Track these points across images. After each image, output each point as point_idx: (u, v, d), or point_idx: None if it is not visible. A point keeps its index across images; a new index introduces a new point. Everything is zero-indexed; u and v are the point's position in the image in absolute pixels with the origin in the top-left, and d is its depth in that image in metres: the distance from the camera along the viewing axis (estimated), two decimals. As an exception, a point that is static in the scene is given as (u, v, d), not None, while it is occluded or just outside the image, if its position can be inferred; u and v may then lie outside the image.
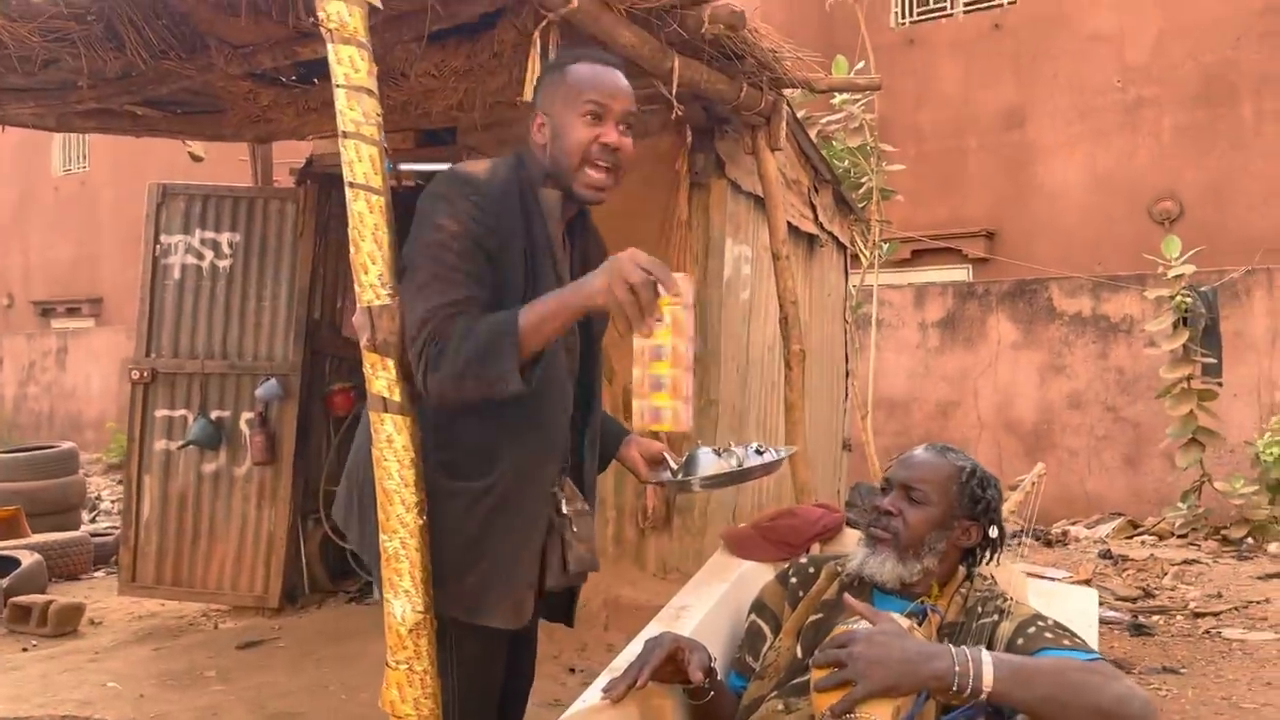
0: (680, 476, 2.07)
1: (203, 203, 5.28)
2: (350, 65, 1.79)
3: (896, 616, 1.58)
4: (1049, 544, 7.35)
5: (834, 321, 6.34)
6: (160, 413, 5.28)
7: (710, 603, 2.06)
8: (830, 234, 5.98)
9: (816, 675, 1.50)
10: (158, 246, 5.31)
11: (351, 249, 1.80)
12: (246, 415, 5.22)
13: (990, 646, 1.68)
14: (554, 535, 1.92)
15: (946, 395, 9.11)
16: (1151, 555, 6.51)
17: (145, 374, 5.26)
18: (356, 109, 1.79)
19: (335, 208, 5.33)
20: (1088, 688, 1.48)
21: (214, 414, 5.21)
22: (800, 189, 5.40)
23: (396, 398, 1.78)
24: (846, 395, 6.61)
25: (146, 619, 5.28)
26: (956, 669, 1.44)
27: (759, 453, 2.14)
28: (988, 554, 1.90)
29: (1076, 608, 2.05)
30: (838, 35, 9.43)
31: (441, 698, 1.78)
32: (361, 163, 1.79)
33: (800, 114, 6.60)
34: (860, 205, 6.68)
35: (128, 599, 5.45)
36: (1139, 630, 4.86)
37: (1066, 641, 1.66)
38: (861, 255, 6.72)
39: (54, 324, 17.79)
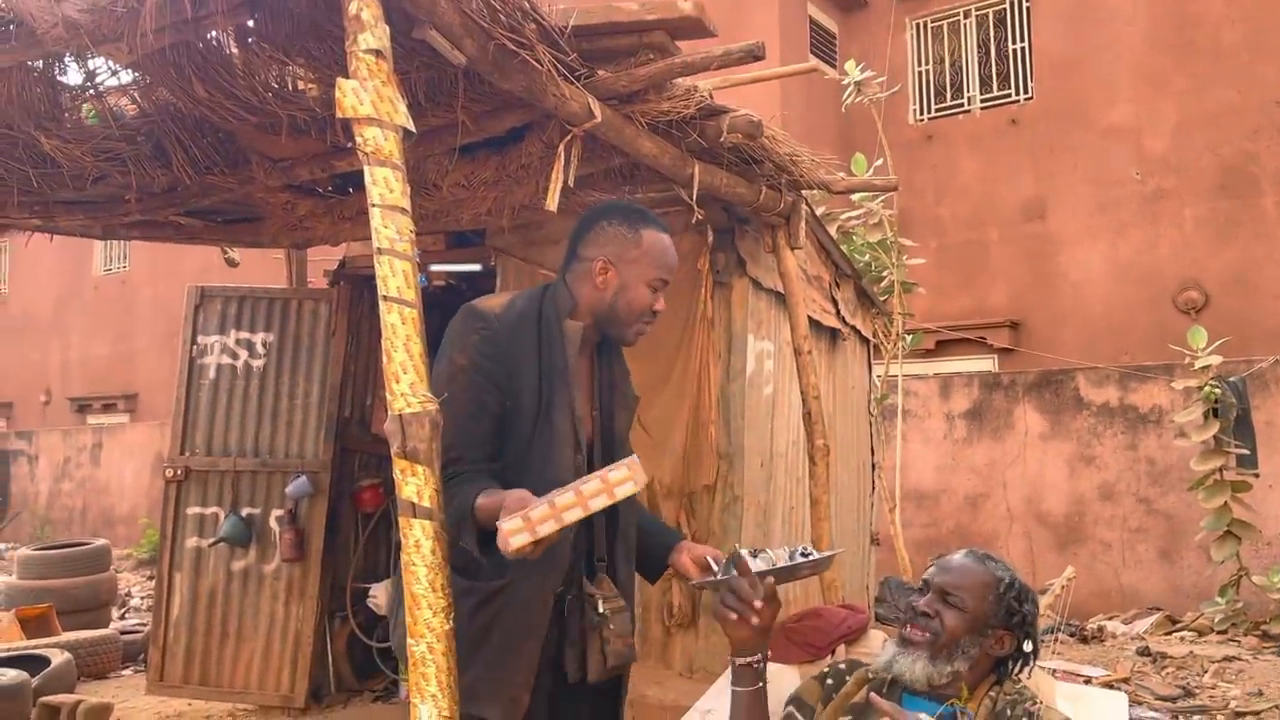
0: (721, 576, 2.12)
1: (238, 304, 5.43)
2: (385, 186, 1.89)
3: (922, 717, 1.60)
4: (1085, 640, 7.20)
5: (858, 414, 6.35)
6: (192, 510, 5.35)
7: (734, 705, 2.06)
8: (852, 327, 6.04)
9: None
10: (194, 347, 5.44)
11: (385, 359, 1.87)
12: (276, 512, 5.27)
13: None
14: (593, 633, 2.07)
15: (975, 487, 9.04)
16: (1191, 652, 6.36)
17: (179, 472, 5.35)
18: (391, 227, 1.88)
19: (367, 308, 5.47)
20: None
21: (245, 511, 5.27)
22: (821, 284, 5.48)
23: (425, 503, 1.83)
24: (873, 488, 6.59)
25: (173, 719, 5.26)
26: None
27: (804, 555, 2.20)
28: (1019, 665, 1.91)
29: (1105, 712, 2.04)
30: (857, 132, 9.66)
31: None
32: (395, 278, 1.87)
33: (820, 210, 6.73)
34: (882, 298, 6.76)
35: (155, 698, 5.45)
36: (1180, 731, 4.74)
37: None
38: (883, 348, 6.76)
39: (89, 419, 18.09)
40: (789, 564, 2.17)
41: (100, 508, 15.86)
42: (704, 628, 4.36)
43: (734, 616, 1.87)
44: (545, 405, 2.07)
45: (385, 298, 1.87)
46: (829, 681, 2.01)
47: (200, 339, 5.46)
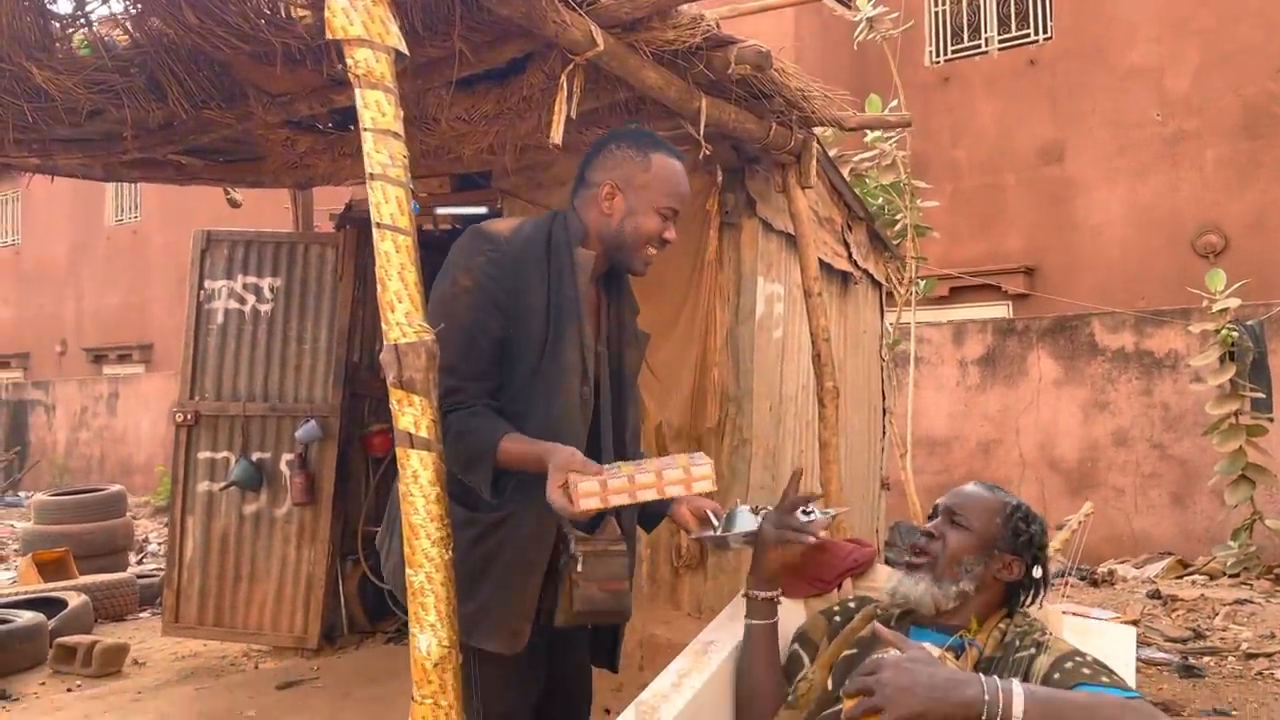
0: (721, 532, 2.12)
1: (245, 248, 5.39)
2: (377, 109, 1.83)
3: (928, 646, 1.57)
4: (1095, 584, 7.20)
5: (870, 359, 6.30)
6: (203, 454, 5.37)
7: (738, 637, 2.05)
8: (865, 271, 5.97)
9: (846, 705, 1.49)
10: (202, 292, 5.42)
11: (379, 288, 1.83)
12: (287, 457, 5.29)
13: (1025, 680, 1.66)
14: (561, 574, 2.00)
15: (988, 433, 9.00)
16: (1202, 595, 6.35)
17: (189, 417, 5.35)
18: (383, 152, 1.83)
19: (374, 252, 5.42)
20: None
21: (255, 456, 5.28)
22: (833, 226, 5.41)
23: (422, 433, 1.81)
24: (884, 433, 6.56)
25: (189, 659, 5.33)
26: (986, 698, 1.42)
27: (806, 514, 2.18)
28: (1031, 594, 1.88)
29: (1114, 646, 2.01)
30: (871, 75, 9.49)
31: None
32: (388, 204, 1.83)
33: (833, 152, 6.63)
34: (895, 242, 6.67)
35: (171, 639, 5.51)
36: (1189, 672, 4.74)
37: (1105, 679, 1.63)
38: (896, 292, 6.69)
39: (105, 370, 18.20)
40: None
41: (118, 457, 16.01)
42: (712, 569, 4.37)
43: (785, 540, 1.99)
44: (553, 335, 2.00)
45: (379, 225, 1.83)
46: (836, 618, 2.00)
47: (207, 284, 5.43)
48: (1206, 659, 5.01)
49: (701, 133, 3.32)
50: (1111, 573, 7.42)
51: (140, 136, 3.25)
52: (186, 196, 5.83)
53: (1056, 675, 1.65)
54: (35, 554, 6.81)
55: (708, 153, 3.33)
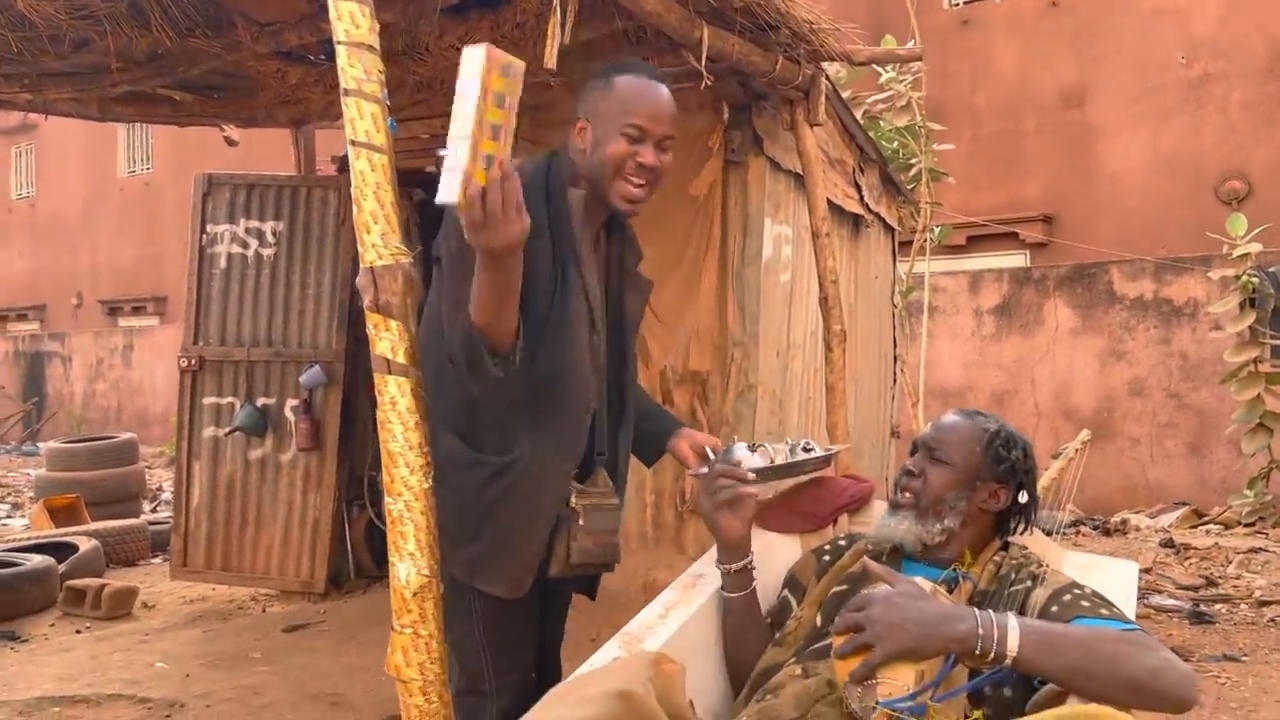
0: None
1: (247, 192, 5.33)
2: (350, 21, 1.75)
3: (920, 580, 1.52)
4: (1108, 533, 7.14)
5: (881, 305, 6.21)
6: (208, 400, 5.35)
7: (728, 572, 2.00)
8: (877, 215, 5.86)
9: (837, 642, 1.45)
10: (204, 236, 5.37)
11: (354, 208, 1.77)
12: (291, 402, 5.26)
13: (1022, 613, 1.61)
14: (561, 526, 1.98)
15: (1002, 383, 8.91)
16: (1216, 544, 6.28)
17: (193, 362, 5.33)
18: (358, 65, 1.75)
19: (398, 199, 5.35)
20: (1119, 658, 1.39)
21: (260, 401, 5.26)
22: (844, 168, 5.29)
23: (400, 359, 1.75)
24: (895, 381, 6.48)
25: (197, 602, 5.36)
26: (980, 632, 1.37)
27: (806, 450, 2.13)
28: (1021, 520, 1.82)
29: (1114, 579, 1.95)
30: (889, 18, 9.27)
31: (470, 650, 1.98)
32: (363, 120, 1.75)
33: (846, 94, 6.48)
34: (910, 187, 6.55)
35: (181, 583, 5.54)
36: (1199, 618, 4.69)
37: (1104, 611, 1.57)
38: (910, 237, 6.58)
39: (121, 322, 18.28)
40: (790, 460, 2.13)
41: (134, 408, 16.12)
42: (716, 513, 4.33)
43: (725, 500, 1.88)
44: (561, 281, 1.94)
45: (353, 142, 1.75)
46: (826, 557, 1.95)
47: (210, 228, 5.38)
48: (1218, 606, 4.95)
49: (704, 63, 3.22)
50: (1125, 522, 7.36)
51: (128, 69, 3.19)
52: (199, 147, 5.77)
53: (1054, 608, 1.59)
54: (47, 500, 6.85)
55: (709, 83, 3.22)
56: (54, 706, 3.75)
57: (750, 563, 1.91)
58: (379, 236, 1.75)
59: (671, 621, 1.80)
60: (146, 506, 8.57)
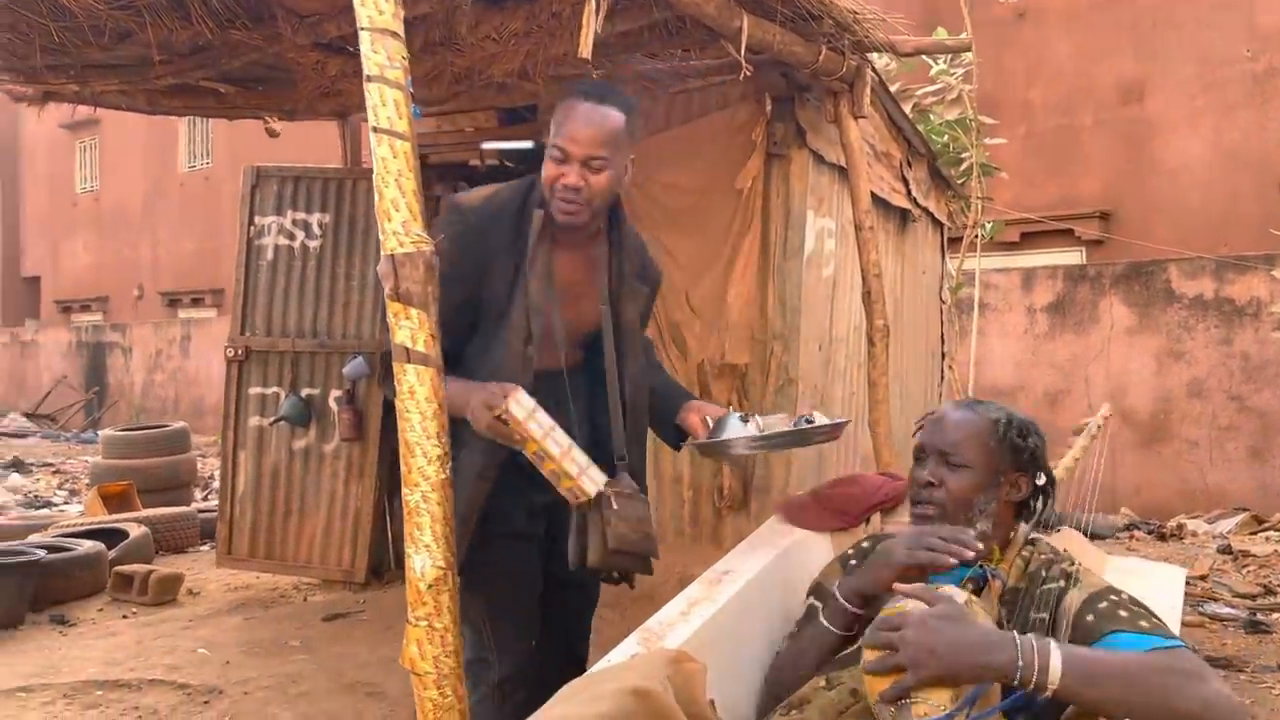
0: (709, 439, 2.07)
1: (294, 184, 5.38)
2: (374, 7, 1.74)
3: (954, 591, 1.45)
4: (1163, 538, 6.96)
5: (929, 301, 6.10)
6: (254, 390, 5.41)
7: (755, 569, 1.97)
8: (925, 210, 5.76)
9: (868, 656, 1.39)
10: (252, 228, 5.43)
11: (376, 196, 1.75)
12: (335, 393, 5.30)
13: (1055, 616, 1.54)
14: (595, 512, 2.01)
15: (1055, 383, 8.72)
16: (1276, 551, 6.09)
17: (240, 352, 5.40)
18: (381, 52, 1.74)
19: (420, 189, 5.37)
20: (1168, 690, 1.31)
21: (304, 391, 5.31)
22: (891, 161, 5.20)
23: (420, 348, 1.73)
24: (942, 378, 6.37)
25: (241, 590, 5.43)
26: (1021, 663, 1.30)
27: (807, 420, 2.09)
28: (1041, 503, 1.75)
29: (1158, 585, 1.88)
30: (943, 11, 9.11)
31: (473, 618, 2.09)
32: (386, 107, 1.74)
33: (895, 87, 6.39)
34: (960, 182, 6.42)
35: (226, 571, 5.62)
36: (1256, 627, 4.54)
37: (1144, 624, 1.49)
38: (960, 233, 6.45)
39: (180, 314, 18.64)
40: (781, 430, 2.11)
41: (191, 398, 16.43)
42: (755, 510, 4.28)
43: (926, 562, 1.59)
44: (517, 294, 2.08)
45: (376, 129, 1.74)
46: (852, 562, 1.87)
47: (257, 220, 5.44)
48: (1276, 615, 4.79)
49: (742, 53, 3.16)
50: (1181, 527, 7.16)
51: (171, 61, 3.21)
52: (255, 143, 5.87)
53: (1090, 617, 1.52)
54: (101, 487, 6.99)
55: (748, 74, 3.17)
56: (97, 690, 3.81)
57: (864, 615, 1.71)
58: (400, 224, 1.74)
59: (694, 619, 1.76)
60: (198, 494, 8.71)
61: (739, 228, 4.17)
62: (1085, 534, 2.43)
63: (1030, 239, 9.86)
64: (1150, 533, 7.05)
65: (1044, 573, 1.64)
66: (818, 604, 1.83)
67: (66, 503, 8.66)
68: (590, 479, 1.89)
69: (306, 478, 5.34)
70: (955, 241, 6.70)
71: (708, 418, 2.15)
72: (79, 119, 18.84)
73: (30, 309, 22.90)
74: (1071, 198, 9.86)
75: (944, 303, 6.25)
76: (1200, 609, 4.89)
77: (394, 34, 1.75)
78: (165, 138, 18.94)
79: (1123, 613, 1.51)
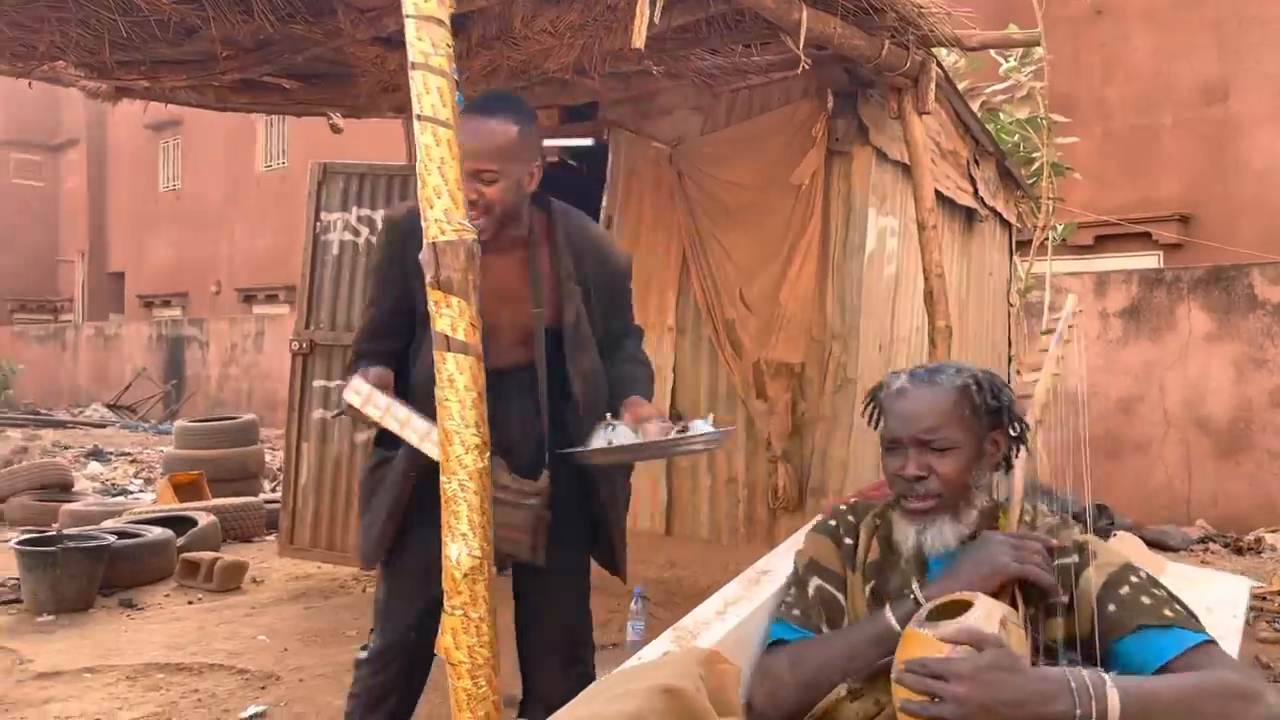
0: (592, 447, 2.09)
1: (359, 181, 5.44)
2: (420, -6, 1.74)
3: (990, 607, 1.35)
4: (1239, 551, 6.71)
5: (995, 302, 5.97)
6: (318, 383, 5.49)
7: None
8: (992, 210, 5.64)
9: (901, 694, 1.30)
10: (318, 224, 5.51)
11: (419, 183, 1.75)
12: (396, 387, 5.35)
13: (1073, 599, 1.44)
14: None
15: (1128, 389, 8.47)
16: (1361, 568, 5.83)
17: (304, 345, 5.48)
18: (425, 39, 1.74)
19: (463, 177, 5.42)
20: (1227, 717, 1.26)
21: (366, 385, 5.36)
22: (957, 160, 5.10)
23: (460, 336, 1.73)
24: (1008, 381, 6.22)
25: (302, 579, 5.51)
26: (1079, 712, 1.22)
27: (681, 430, 2.08)
28: (1016, 449, 1.65)
29: (1219, 596, 1.79)
30: (1017, 8, 8.91)
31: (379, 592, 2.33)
32: (430, 95, 1.74)
33: (963, 85, 6.26)
34: (1030, 182, 6.27)
35: (289, 560, 5.71)
36: (1336, 646, 4.34)
37: (1168, 613, 1.41)
38: (1029, 234, 6.29)
39: (255, 309, 19.08)
40: (642, 441, 2.06)
41: (264, 391, 16.80)
42: (810, 510, 4.22)
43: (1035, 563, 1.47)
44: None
45: (419, 117, 1.74)
46: (846, 541, 1.71)
47: (323, 216, 5.51)
48: (1359, 635, 4.58)
49: (801, 47, 3.12)
50: (1259, 540, 6.90)
51: (236, 56, 3.28)
52: (331, 143, 6.01)
53: (1112, 607, 1.43)
54: (173, 476, 7.17)
55: (806, 67, 3.12)
56: (159, 673, 3.90)
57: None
58: (441, 212, 1.74)
59: (730, 618, 1.73)
60: (266, 485, 8.89)
61: (797, 225, 4.12)
62: (1160, 547, 2.34)
63: (1105, 242, 9.60)
64: (1226, 546, 6.81)
65: (1052, 543, 1.52)
66: (829, 587, 1.68)
67: (141, 491, 8.90)
68: (434, 443, 1.89)
69: (367, 470, 5.39)
70: (1025, 243, 6.54)
71: (612, 425, 2.11)
72: (162, 120, 19.42)
73: (114, 303, 23.66)
74: (1149, 200, 9.58)
75: (1011, 305, 6.10)
76: (1277, 625, 4.70)
77: (439, 21, 1.75)
78: (244, 138, 19.42)
79: (1145, 599, 1.43)
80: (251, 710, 3.41)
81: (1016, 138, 6.45)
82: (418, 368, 2.17)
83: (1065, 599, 1.44)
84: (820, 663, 1.57)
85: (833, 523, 1.76)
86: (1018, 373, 6.55)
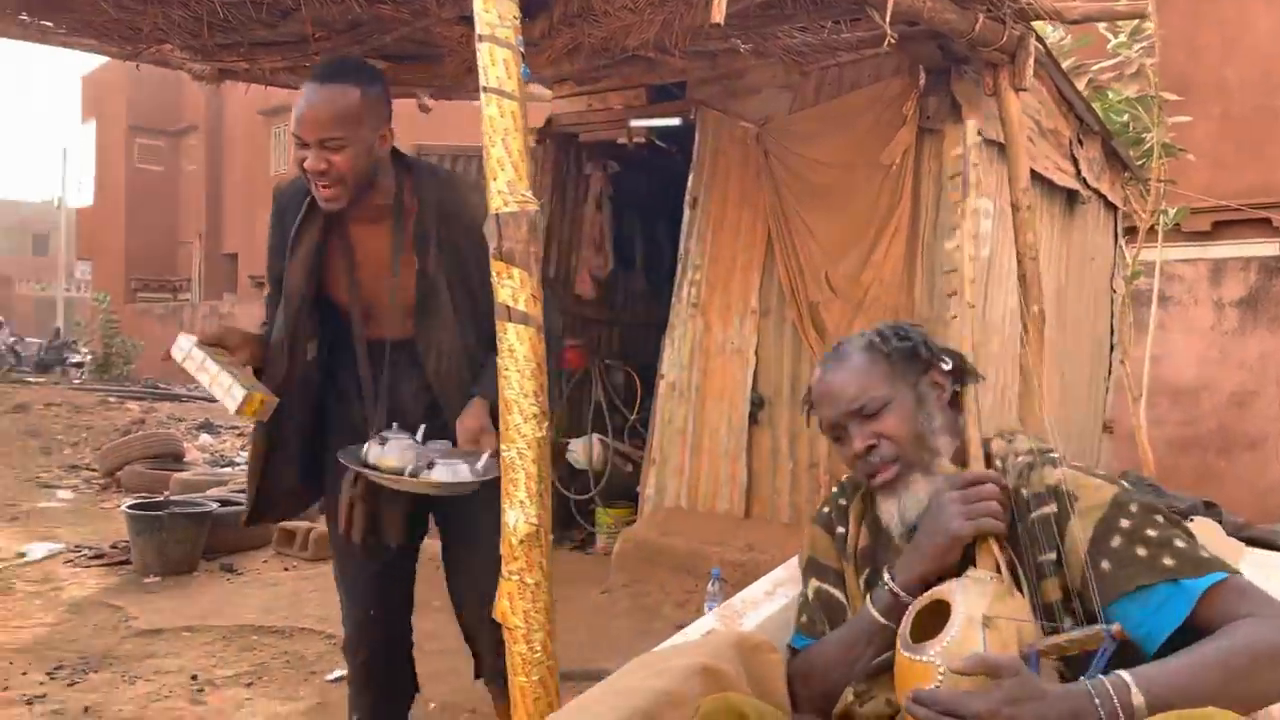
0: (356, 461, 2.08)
1: (451, 161, 5.55)
2: (487, -31, 1.76)
3: (980, 576, 1.29)
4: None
5: (1097, 288, 5.75)
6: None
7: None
8: (1096, 192, 5.43)
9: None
10: (412, 204, 5.63)
11: (484, 154, 1.77)
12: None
13: (1060, 555, 1.33)
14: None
15: (1244, 383, 8.09)
16: None
17: (397, 323, 5.61)
18: (492, 11, 1.76)
19: (572, 167, 5.45)
20: (1260, 683, 1.18)
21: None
22: (1059, 139, 4.93)
23: (521, 307, 1.75)
24: (1110, 371, 5.99)
25: (398, 550, 5.66)
26: (1103, 715, 1.14)
27: (473, 469, 1.96)
28: (962, 381, 1.55)
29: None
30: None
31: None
32: (495, 66, 1.76)
33: (1069, 62, 6.04)
34: (1139, 163, 6.02)
35: (381, 532, 5.86)
36: None
37: (1168, 561, 1.28)
38: (1136, 217, 6.04)
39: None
40: (382, 470, 2.02)
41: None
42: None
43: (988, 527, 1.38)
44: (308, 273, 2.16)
45: (485, 89, 1.76)
46: (839, 529, 1.63)
47: (417, 196, 5.63)
48: None
49: (888, 21, 3.05)
50: (1383, 545, 6.52)
51: (329, 37, 3.36)
52: (425, 125, 6.13)
53: (1106, 564, 1.31)
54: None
55: (893, 41, 3.05)
56: (253, 634, 4.05)
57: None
58: (505, 183, 1.76)
59: (778, 599, 1.71)
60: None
61: (885, 206, 4.04)
62: (1269, 547, 2.20)
63: (1223, 228, 9.16)
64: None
65: (1027, 495, 1.40)
66: (828, 588, 1.61)
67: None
68: (233, 397, 1.96)
69: (456, 447, 5.50)
70: (1134, 229, 6.29)
71: (384, 438, 2.08)
72: (274, 105, 20.04)
73: (229, 283, 24.59)
74: (1272, 184, 9.10)
75: (1115, 292, 5.88)
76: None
77: (506, -6, 1.77)
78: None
79: (1140, 551, 1.31)
80: (337, 674, 3.52)
81: (1126, 117, 6.18)
82: (272, 334, 2.19)
83: (1053, 556, 1.33)
84: (824, 670, 1.51)
85: (826, 509, 1.68)
86: (1121, 361, 6.31)
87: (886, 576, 1.44)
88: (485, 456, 1.95)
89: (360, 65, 2.12)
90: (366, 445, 2.07)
